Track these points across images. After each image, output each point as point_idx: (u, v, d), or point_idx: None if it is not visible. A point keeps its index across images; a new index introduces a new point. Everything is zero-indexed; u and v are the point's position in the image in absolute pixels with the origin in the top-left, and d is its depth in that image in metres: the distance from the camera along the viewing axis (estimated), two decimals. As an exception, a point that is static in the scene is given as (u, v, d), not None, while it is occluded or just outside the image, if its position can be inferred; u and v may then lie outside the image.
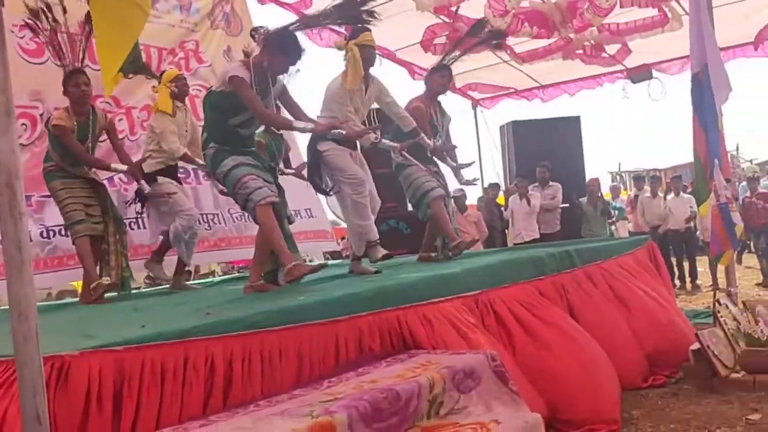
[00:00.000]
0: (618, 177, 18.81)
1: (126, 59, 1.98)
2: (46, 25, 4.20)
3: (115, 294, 4.45)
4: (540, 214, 8.37)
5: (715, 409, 3.35)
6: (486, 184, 9.76)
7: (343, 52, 3.95)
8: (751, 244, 10.48)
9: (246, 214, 4.29)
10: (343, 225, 4.75)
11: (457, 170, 4.73)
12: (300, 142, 4.90)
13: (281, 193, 3.70)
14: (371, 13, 3.64)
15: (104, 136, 4.48)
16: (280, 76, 3.56)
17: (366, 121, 4.14)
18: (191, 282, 5.90)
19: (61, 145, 4.15)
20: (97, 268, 4.32)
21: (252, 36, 3.68)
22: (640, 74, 8.31)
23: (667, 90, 8.31)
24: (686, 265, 9.20)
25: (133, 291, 4.79)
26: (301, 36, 3.50)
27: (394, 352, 2.69)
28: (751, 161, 18.54)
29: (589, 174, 9.29)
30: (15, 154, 1.61)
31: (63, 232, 4.79)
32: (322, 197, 4.33)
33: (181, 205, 4.56)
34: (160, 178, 4.53)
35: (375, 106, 4.30)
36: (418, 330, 2.81)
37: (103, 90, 4.82)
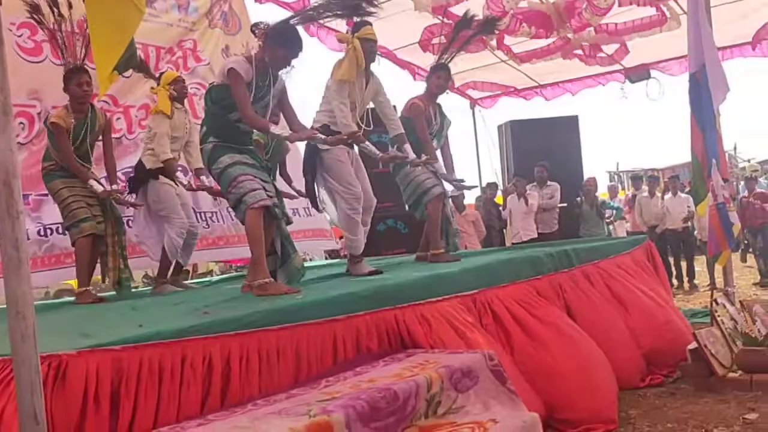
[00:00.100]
0: (616, 177, 18.84)
1: (121, 57, 1.97)
2: (50, 20, 4.16)
3: (113, 294, 4.45)
4: (538, 214, 8.38)
5: (712, 409, 3.35)
6: (484, 184, 9.77)
7: (345, 45, 3.96)
8: (749, 244, 10.49)
9: None
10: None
11: (450, 180, 4.66)
12: (299, 144, 4.86)
13: (278, 193, 3.68)
14: (371, 2, 3.62)
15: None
16: (283, 76, 3.55)
17: (363, 117, 4.13)
18: (189, 281, 5.89)
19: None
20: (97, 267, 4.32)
21: (252, 32, 3.67)
22: (638, 74, 8.32)
23: (665, 90, 8.33)
24: (684, 264, 9.23)
25: (131, 290, 4.78)
26: (303, 33, 3.48)
27: (392, 352, 2.69)
28: (748, 161, 18.56)
29: (587, 174, 9.32)
30: (12, 153, 1.61)
31: (60, 230, 4.78)
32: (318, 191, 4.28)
33: (173, 211, 4.54)
34: (161, 178, 4.52)
35: (370, 105, 4.29)
36: (416, 329, 2.81)
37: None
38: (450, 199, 5.01)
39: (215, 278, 7.17)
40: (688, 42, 4.75)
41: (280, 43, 3.36)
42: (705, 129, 4.58)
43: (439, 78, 4.60)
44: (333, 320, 2.57)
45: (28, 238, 4.57)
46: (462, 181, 4.77)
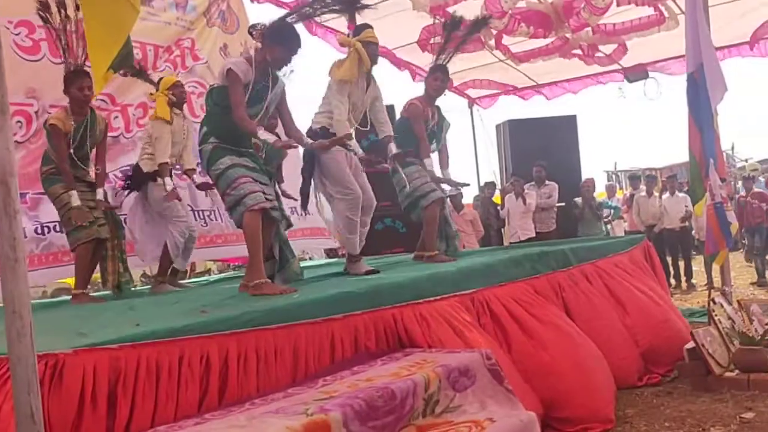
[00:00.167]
0: (614, 176, 18.85)
1: (117, 55, 1.96)
2: (56, 20, 4.14)
3: (110, 293, 4.44)
4: (536, 213, 8.38)
5: (709, 408, 3.36)
6: (482, 183, 9.77)
7: (347, 48, 3.96)
8: (746, 243, 10.51)
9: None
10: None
11: (443, 180, 4.63)
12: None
13: (277, 196, 3.67)
14: None
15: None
16: (283, 78, 3.55)
17: (363, 120, 4.12)
18: (186, 281, 5.89)
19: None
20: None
21: (250, 33, 3.67)
22: (636, 74, 8.33)
23: (663, 89, 8.34)
24: (681, 264, 9.24)
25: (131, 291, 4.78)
26: (305, 33, 3.48)
27: (390, 351, 2.69)
28: (746, 161, 18.59)
29: (585, 173, 9.33)
30: (9, 152, 1.60)
31: (58, 228, 4.77)
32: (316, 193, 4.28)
33: (175, 212, 4.55)
34: (158, 180, 4.51)
35: None
36: (414, 328, 2.81)
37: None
38: (448, 200, 5.01)
39: (213, 277, 7.17)
40: (686, 42, 4.76)
41: (279, 42, 3.36)
42: (703, 128, 4.59)
43: (436, 80, 4.59)
44: (331, 319, 2.57)
45: (26, 236, 4.56)
46: (462, 185, 4.76)
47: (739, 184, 10.56)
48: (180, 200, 4.58)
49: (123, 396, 1.92)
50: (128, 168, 5.08)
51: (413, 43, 7.35)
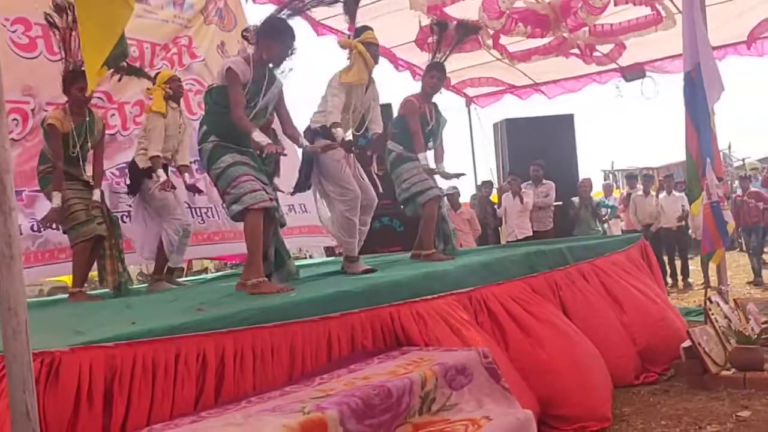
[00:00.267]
0: (611, 175, 18.87)
1: (111, 53, 1.95)
2: (63, 23, 4.12)
3: (107, 291, 4.43)
4: (533, 212, 8.39)
5: (705, 406, 3.37)
6: (479, 182, 9.77)
7: (347, 50, 3.96)
8: (743, 243, 10.54)
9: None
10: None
11: (438, 172, 4.64)
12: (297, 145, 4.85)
13: (276, 197, 3.67)
14: None
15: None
16: (280, 78, 3.54)
17: (362, 120, 4.12)
18: (183, 279, 5.88)
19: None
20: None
21: (244, 37, 3.67)
22: (634, 73, 8.33)
23: (660, 89, 8.35)
24: (678, 263, 9.26)
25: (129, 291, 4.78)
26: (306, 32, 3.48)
27: (387, 349, 2.69)
28: (743, 160, 18.63)
29: (582, 172, 9.34)
30: (5, 149, 1.60)
31: (54, 226, 4.76)
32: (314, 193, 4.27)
33: (170, 210, 4.55)
34: (155, 176, 4.51)
35: None
36: (411, 327, 2.81)
37: (99, 84, 4.80)
38: (446, 198, 5.01)
39: (210, 276, 7.16)
40: (683, 41, 4.76)
41: (273, 37, 3.36)
42: (700, 128, 4.59)
43: (432, 77, 4.60)
44: (328, 317, 2.56)
45: (21, 234, 4.54)
46: (457, 175, 4.77)
47: (736, 183, 10.57)
48: (175, 188, 4.57)
49: (119, 394, 1.91)
50: (125, 165, 5.07)
51: (411, 42, 7.35)
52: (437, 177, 4.62)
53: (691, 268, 9.40)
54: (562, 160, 8.91)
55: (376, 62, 4.03)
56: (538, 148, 8.62)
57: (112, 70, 4.39)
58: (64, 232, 4.30)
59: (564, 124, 9.13)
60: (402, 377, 2.17)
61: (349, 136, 4.01)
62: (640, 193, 9.63)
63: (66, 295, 4.54)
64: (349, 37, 4.12)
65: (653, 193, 9.72)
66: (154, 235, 4.67)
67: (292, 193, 4.28)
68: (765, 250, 10.01)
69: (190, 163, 5.03)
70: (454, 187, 8.19)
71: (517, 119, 9.27)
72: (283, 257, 3.93)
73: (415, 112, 4.50)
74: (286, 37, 3.38)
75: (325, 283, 3.43)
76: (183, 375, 2.07)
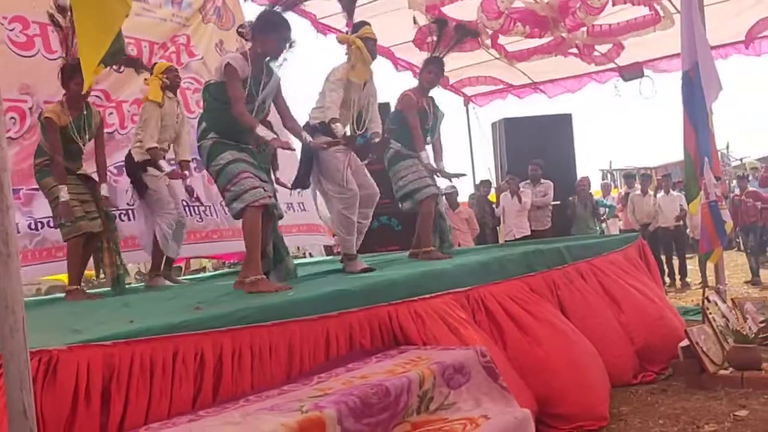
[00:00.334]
0: (609, 175, 18.90)
1: (108, 50, 1.94)
2: (67, 22, 4.11)
3: (104, 290, 4.42)
4: (531, 212, 8.39)
5: (703, 405, 3.37)
6: (477, 182, 9.77)
7: (345, 46, 3.96)
8: (740, 242, 10.55)
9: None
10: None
11: (439, 170, 4.65)
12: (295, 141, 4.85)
13: (273, 193, 3.67)
14: None
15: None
16: (277, 71, 3.54)
17: (356, 118, 4.12)
18: (181, 278, 5.88)
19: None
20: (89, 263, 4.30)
21: (240, 34, 3.67)
22: (632, 72, 8.33)
23: (658, 88, 8.35)
24: (676, 262, 9.27)
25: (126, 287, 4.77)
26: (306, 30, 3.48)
27: (385, 348, 2.69)
28: (740, 160, 18.66)
29: (580, 171, 9.35)
30: (3, 148, 1.59)
31: (51, 224, 4.76)
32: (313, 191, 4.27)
33: (164, 204, 4.55)
34: (150, 170, 4.52)
35: None
36: (409, 326, 2.81)
37: (97, 83, 4.79)
38: (444, 197, 5.01)
39: (208, 274, 7.16)
40: (681, 40, 4.76)
41: (268, 30, 3.35)
42: (698, 127, 4.59)
43: (430, 72, 4.60)
44: (326, 317, 2.56)
45: (19, 232, 4.54)
46: (457, 175, 4.77)
47: (734, 182, 10.59)
48: (185, 177, 4.58)
49: (117, 393, 1.91)
50: (122, 164, 5.06)
51: (410, 41, 7.34)
52: (437, 176, 4.63)
53: (688, 267, 9.41)
54: (561, 159, 8.92)
55: (373, 57, 4.03)
56: (537, 148, 8.63)
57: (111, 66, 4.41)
58: (57, 227, 4.29)
59: (562, 124, 9.14)
60: (400, 376, 2.17)
61: (347, 131, 4.01)
62: (638, 192, 9.65)
63: (63, 294, 4.53)
64: (347, 33, 4.12)
65: (651, 192, 9.73)
66: (151, 230, 4.68)
67: (291, 188, 4.29)
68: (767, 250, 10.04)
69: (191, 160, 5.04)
70: (453, 187, 8.20)
71: (516, 118, 9.27)
72: (282, 254, 3.93)
73: (413, 107, 4.51)
74: (282, 29, 3.38)
75: (324, 282, 3.43)
76: (181, 374, 2.07)
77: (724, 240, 4.70)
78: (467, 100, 9.69)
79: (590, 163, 38.70)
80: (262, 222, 3.35)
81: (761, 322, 4.16)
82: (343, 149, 3.89)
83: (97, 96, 5.42)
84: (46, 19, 4.25)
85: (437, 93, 4.80)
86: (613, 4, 6.44)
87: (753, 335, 3.88)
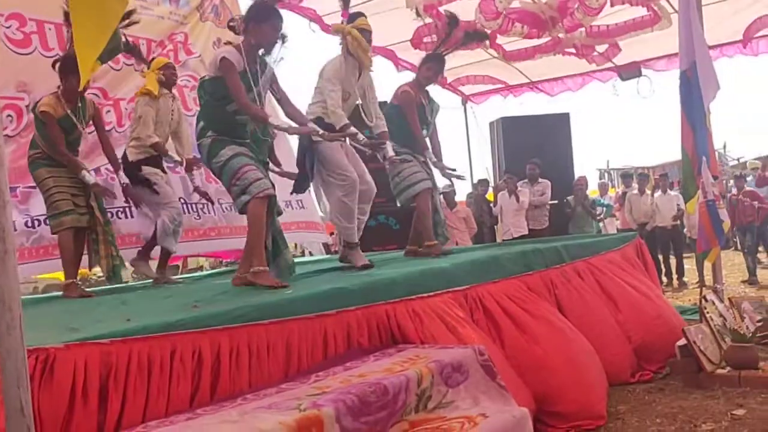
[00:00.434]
0: (606, 174, 18.92)
1: (105, 47, 1.93)
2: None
3: (102, 288, 4.41)
4: (529, 211, 8.40)
5: (700, 404, 3.37)
6: (475, 181, 9.77)
7: (341, 36, 3.96)
8: (738, 242, 10.57)
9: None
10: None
11: (440, 167, 4.67)
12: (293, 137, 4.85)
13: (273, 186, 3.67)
14: None
15: (90, 128, 4.44)
16: (271, 64, 3.53)
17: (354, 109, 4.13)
18: (178, 276, 5.86)
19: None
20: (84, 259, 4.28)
21: (231, 27, 3.67)
22: (630, 72, 8.34)
23: (656, 88, 8.35)
24: (673, 261, 9.28)
25: (121, 284, 4.76)
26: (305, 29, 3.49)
27: (383, 347, 2.69)
28: (737, 159, 18.68)
29: (578, 171, 9.36)
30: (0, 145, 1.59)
31: (48, 222, 4.74)
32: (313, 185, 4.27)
33: (167, 197, 4.56)
34: (145, 168, 4.51)
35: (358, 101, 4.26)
36: (407, 324, 2.81)
37: (94, 80, 4.77)
38: (441, 196, 5.01)
39: (205, 273, 7.15)
40: (679, 40, 4.76)
41: (260, 19, 3.36)
42: (695, 127, 4.60)
43: (429, 69, 4.61)
44: (324, 315, 2.56)
45: (16, 230, 4.51)
46: (454, 170, 4.78)
47: (731, 182, 10.60)
48: (198, 168, 4.65)
49: (114, 391, 1.91)
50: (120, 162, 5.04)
51: (408, 41, 7.33)
52: (436, 173, 4.63)
53: (686, 266, 9.42)
54: (558, 158, 8.92)
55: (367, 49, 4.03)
56: (534, 147, 8.63)
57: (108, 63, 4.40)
58: (49, 219, 4.27)
59: (560, 123, 9.14)
60: (398, 375, 2.17)
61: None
62: (636, 191, 9.66)
63: (60, 293, 4.51)
64: (342, 23, 4.12)
65: (648, 191, 9.74)
66: (153, 223, 4.69)
67: (291, 193, 4.29)
68: (760, 249, 10.05)
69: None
70: (450, 185, 8.19)
71: (514, 118, 9.27)
72: (280, 246, 3.92)
73: (413, 104, 4.50)
74: (273, 17, 3.38)
75: (321, 280, 3.43)
76: (178, 372, 2.06)
77: (722, 239, 4.71)
78: (465, 98, 9.68)
79: (588, 162, 38.80)
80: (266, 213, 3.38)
81: (758, 321, 4.16)
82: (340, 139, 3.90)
83: (94, 93, 5.40)
84: (43, 16, 4.23)
85: (435, 91, 4.81)
86: (612, 5, 6.44)
87: (750, 334, 3.88)
